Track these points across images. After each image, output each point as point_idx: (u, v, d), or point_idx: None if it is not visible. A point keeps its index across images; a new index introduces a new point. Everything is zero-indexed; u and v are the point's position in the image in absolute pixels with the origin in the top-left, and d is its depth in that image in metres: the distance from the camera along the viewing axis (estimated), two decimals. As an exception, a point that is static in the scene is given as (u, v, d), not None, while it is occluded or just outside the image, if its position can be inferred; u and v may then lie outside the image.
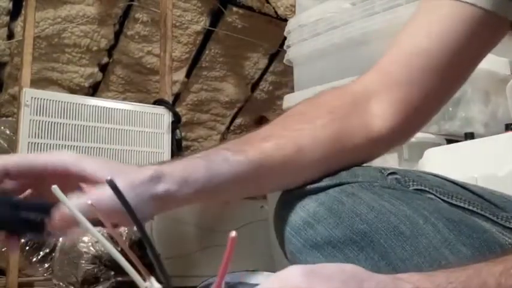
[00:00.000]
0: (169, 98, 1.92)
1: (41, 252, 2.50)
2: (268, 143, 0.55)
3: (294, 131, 0.57)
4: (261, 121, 2.78)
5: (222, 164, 0.52)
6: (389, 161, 1.31)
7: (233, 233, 0.32)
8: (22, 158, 0.49)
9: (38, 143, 1.70)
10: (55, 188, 0.39)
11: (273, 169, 0.55)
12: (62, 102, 1.73)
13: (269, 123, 0.60)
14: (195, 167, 0.51)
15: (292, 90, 1.83)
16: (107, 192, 0.42)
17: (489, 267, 0.39)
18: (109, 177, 0.39)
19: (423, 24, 0.61)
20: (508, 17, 0.59)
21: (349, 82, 0.63)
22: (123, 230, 2.11)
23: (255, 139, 0.56)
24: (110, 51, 2.36)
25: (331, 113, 0.59)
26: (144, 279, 0.36)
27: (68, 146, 1.71)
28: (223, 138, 2.84)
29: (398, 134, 0.61)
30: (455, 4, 0.58)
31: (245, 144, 0.55)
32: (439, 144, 1.25)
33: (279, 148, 0.55)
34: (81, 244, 2.04)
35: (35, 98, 1.68)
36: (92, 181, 0.48)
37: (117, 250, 0.37)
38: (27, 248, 2.46)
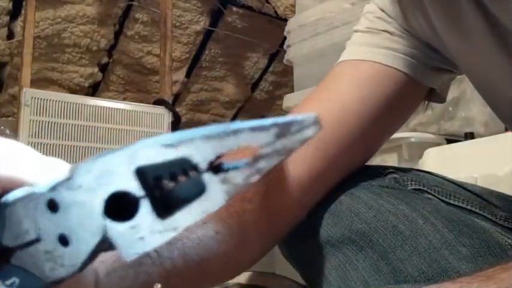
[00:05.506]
0: (169, 98, 1.92)
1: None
2: None
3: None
4: (261, 121, 2.78)
5: None
6: (388, 161, 1.31)
7: None
8: None
9: (38, 143, 1.70)
10: None
11: None
12: (62, 102, 1.73)
13: None
14: None
15: (292, 90, 1.83)
16: None
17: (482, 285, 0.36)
18: None
19: (344, 84, 0.59)
20: (428, 84, 0.59)
21: None
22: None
23: None
24: (110, 51, 2.36)
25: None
26: None
27: (68, 146, 1.71)
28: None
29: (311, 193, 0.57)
30: (377, 66, 0.58)
31: None
32: (439, 144, 1.25)
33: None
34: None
35: (35, 98, 1.68)
36: None
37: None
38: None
